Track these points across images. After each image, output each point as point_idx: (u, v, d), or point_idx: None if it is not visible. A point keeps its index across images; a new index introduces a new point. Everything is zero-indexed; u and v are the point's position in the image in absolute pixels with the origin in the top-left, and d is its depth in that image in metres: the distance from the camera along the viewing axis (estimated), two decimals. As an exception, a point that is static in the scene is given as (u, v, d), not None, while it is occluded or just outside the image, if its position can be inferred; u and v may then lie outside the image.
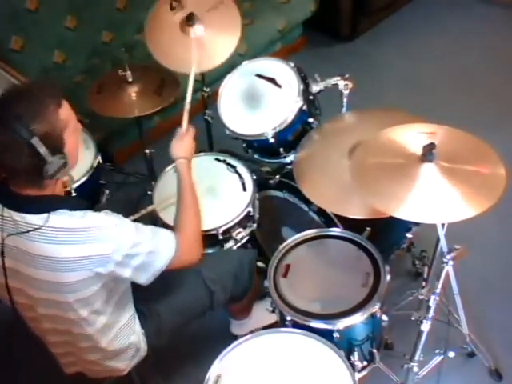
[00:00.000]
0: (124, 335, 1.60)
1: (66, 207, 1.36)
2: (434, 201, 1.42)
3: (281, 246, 1.87)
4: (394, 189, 1.46)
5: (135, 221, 1.73)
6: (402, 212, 1.42)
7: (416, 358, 1.83)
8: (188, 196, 1.64)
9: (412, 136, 1.56)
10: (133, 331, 1.63)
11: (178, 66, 2.10)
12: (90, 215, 1.37)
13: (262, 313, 2.10)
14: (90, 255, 1.35)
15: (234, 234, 1.95)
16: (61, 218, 1.34)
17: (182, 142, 1.75)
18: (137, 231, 1.42)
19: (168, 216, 1.95)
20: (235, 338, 2.01)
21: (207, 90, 2.39)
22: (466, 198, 1.40)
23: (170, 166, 2.16)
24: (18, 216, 1.35)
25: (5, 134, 1.26)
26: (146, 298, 1.68)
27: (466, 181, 1.44)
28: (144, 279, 1.47)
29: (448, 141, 1.53)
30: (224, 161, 2.12)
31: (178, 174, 1.70)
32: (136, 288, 1.61)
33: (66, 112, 1.35)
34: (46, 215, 1.33)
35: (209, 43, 2.10)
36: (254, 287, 1.98)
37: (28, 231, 1.33)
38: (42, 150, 1.27)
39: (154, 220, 2.06)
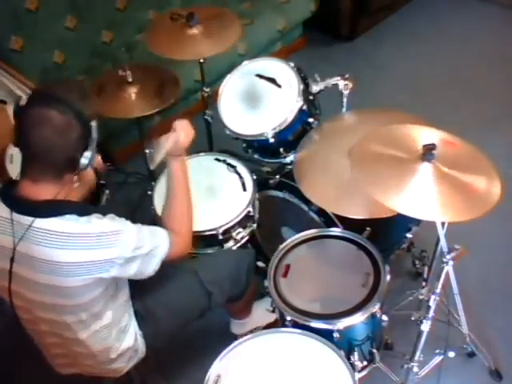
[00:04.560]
0: (120, 339, 1.59)
1: (73, 212, 1.36)
2: (429, 199, 1.41)
3: (281, 246, 1.87)
4: (391, 180, 1.45)
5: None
6: (396, 203, 1.41)
7: (416, 357, 1.83)
8: (181, 188, 1.66)
9: (419, 134, 1.55)
10: (129, 334, 1.62)
11: (177, 54, 2.13)
12: (95, 221, 1.37)
13: (261, 312, 2.10)
14: (95, 260, 1.35)
15: (234, 234, 1.95)
16: (67, 224, 1.34)
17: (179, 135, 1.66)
18: (138, 234, 1.43)
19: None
20: (235, 337, 2.02)
21: (207, 90, 2.39)
22: (457, 204, 1.40)
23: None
24: (25, 220, 1.34)
25: (65, 112, 1.28)
26: (143, 299, 1.68)
27: (459, 190, 1.43)
28: (148, 273, 1.50)
29: (450, 146, 1.53)
30: (224, 161, 2.12)
31: (172, 170, 1.66)
32: (133, 289, 1.62)
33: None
34: (52, 219, 1.33)
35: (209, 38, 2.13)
36: (253, 287, 1.98)
37: (31, 234, 1.33)
38: (95, 135, 1.32)
39: (153, 220, 2.07)
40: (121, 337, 1.59)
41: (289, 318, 1.68)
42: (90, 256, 1.34)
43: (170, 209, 1.64)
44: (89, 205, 1.50)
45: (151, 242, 1.47)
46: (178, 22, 2.14)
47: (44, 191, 1.35)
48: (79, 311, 1.44)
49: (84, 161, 1.34)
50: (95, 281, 1.39)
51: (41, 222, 1.33)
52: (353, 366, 1.71)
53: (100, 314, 1.49)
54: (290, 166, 2.08)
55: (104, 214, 1.82)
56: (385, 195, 1.42)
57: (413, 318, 1.79)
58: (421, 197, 1.41)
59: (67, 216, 1.35)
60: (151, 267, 1.49)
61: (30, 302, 1.46)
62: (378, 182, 1.46)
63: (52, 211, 1.34)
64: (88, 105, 1.34)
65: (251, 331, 2.08)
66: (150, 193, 2.06)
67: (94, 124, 1.33)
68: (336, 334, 1.64)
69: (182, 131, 1.66)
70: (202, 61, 2.29)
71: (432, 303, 1.67)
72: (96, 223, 1.37)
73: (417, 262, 2.29)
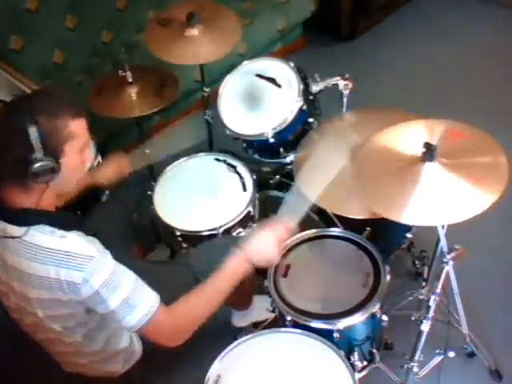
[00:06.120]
0: (111, 341, 1.56)
1: (47, 223, 1.31)
2: (437, 202, 1.41)
3: (281, 246, 1.87)
4: (399, 194, 1.45)
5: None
6: (409, 217, 1.41)
7: (416, 358, 1.83)
8: (222, 283, 1.50)
9: (410, 137, 1.55)
10: (123, 336, 1.60)
11: (178, 59, 2.12)
12: (70, 238, 1.30)
13: (263, 304, 2.08)
14: (59, 279, 1.29)
15: (234, 234, 1.95)
16: (39, 235, 1.29)
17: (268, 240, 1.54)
18: (115, 270, 1.33)
19: (170, 219, 1.95)
20: (235, 338, 2.02)
21: (207, 89, 2.38)
22: (472, 191, 1.40)
23: (170, 166, 2.15)
24: (1, 224, 1.32)
25: (8, 115, 1.25)
26: None
27: (470, 173, 1.43)
28: (125, 323, 1.37)
29: (446, 136, 1.53)
30: (224, 161, 2.12)
31: (230, 264, 1.52)
32: None
33: (77, 127, 1.31)
34: (25, 229, 1.29)
35: (209, 38, 2.12)
36: (250, 277, 1.96)
37: (5, 240, 1.31)
38: (35, 142, 1.22)
39: (153, 220, 2.07)
40: (112, 339, 1.56)
41: (289, 318, 1.68)
42: (56, 273, 1.29)
43: (198, 288, 1.48)
44: (70, 215, 1.42)
45: (131, 288, 1.34)
46: (168, 26, 2.13)
47: (19, 199, 1.31)
48: (52, 323, 1.41)
49: (34, 168, 1.24)
50: (67, 300, 1.33)
51: (13, 230, 1.30)
52: (353, 366, 1.71)
53: (77, 330, 1.45)
54: (290, 166, 2.08)
55: (104, 214, 1.81)
56: (402, 214, 1.42)
57: (413, 318, 1.79)
58: (434, 201, 1.41)
59: (41, 227, 1.30)
60: (129, 319, 1.35)
61: (15, 304, 1.45)
62: (390, 202, 1.46)
63: (26, 220, 1.30)
64: (42, 111, 1.25)
65: (251, 331, 2.07)
66: (149, 193, 2.06)
67: (32, 130, 1.22)
68: (336, 334, 1.64)
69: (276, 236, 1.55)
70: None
71: (432, 303, 1.67)
72: (70, 240, 1.30)
73: (417, 262, 2.28)
